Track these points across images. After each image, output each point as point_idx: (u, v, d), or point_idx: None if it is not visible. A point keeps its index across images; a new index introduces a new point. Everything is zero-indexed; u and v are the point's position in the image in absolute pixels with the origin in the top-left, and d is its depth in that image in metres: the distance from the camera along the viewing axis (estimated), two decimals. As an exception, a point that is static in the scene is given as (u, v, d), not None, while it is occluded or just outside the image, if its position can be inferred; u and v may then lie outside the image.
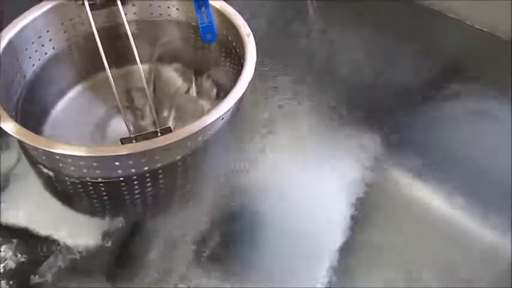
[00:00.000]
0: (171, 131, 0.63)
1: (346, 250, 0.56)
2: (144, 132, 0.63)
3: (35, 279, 0.54)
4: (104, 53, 0.66)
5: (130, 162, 0.59)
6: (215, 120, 0.60)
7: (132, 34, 0.70)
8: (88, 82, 0.76)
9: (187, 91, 0.76)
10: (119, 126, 0.71)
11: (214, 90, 0.75)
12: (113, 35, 0.74)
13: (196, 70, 0.78)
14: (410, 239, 0.58)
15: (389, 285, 0.54)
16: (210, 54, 0.76)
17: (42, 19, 0.69)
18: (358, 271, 0.56)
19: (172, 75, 0.78)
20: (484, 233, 0.58)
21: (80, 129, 0.71)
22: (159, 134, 0.62)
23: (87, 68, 0.75)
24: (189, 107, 0.75)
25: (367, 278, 0.55)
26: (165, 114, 0.74)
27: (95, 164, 0.59)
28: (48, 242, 0.57)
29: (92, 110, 0.74)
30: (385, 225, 0.59)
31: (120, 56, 0.74)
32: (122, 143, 0.61)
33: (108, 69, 0.62)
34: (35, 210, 0.60)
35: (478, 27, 0.82)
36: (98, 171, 0.60)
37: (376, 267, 0.56)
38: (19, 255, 0.56)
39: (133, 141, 0.61)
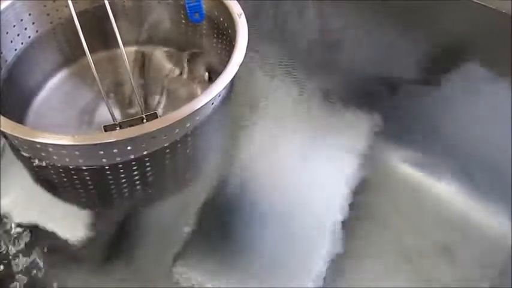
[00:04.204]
0: (157, 117, 0.60)
1: (343, 237, 0.55)
2: (128, 119, 0.60)
3: (21, 268, 0.53)
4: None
5: (115, 150, 0.57)
6: (204, 105, 0.57)
7: (119, 15, 0.67)
8: (74, 66, 0.74)
9: (178, 74, 0.74)
10: (107, 112, 0.68)
11: (206, 73, 0.73)
12: (100, 17, 0.71)
13: (187, 52, 0.75)
14: (408, 226, 0.57)
15: (390, 273, 0.53)
16: (201, 35, 0.73)
17: (22, 2, 0.67)
18: (356, 258, 0.54)
19: (162, 58, 0.76)
20: (484, 220, 0.57)
21: (66, 116, 0.69)
22: (145, 120, 0.59)
23: (73, 51, 0.73)
24: (179, 91, 0.72)
25: (366, 265, 0.54)
26: (155, 99, 0.71)
27: (77, 152, 0.56)
28: (35, 231, 0.56)
29: (79, 95, 0.71)
30: (383, 213, 0.58)
31: (109, 38, 0.72)
32: (106, 131, 0.59)
33: (89, 54, 0.59)
34: (21, 198, 0.59)
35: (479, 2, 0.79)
36: (81, 160, 0.58)
37: (375, 254, 0.55)
38: (5, 244, 0.55)
39: (118, 128, 0.59)
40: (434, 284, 0.52)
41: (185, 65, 0.74)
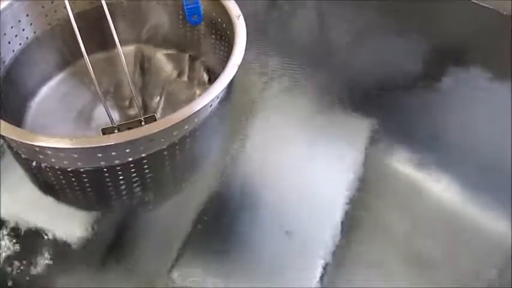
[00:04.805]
0: (155, 119, 0.60)
1: (343, 238, 0.55)
2: (127, 122, 0.60)
3: (20, 270, 0.53)
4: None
5: (113, 153, 0.56)
6: (203, 107, 0.57)
7: (117, 16, 0.67)
8: (73, 67, 0.74)
9: (177, 76, 0.74)
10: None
11: (206, 75, 0.73)
12: (99, 18, 0.70)
13: (186, 54, 0.75)
14: (408, 226, 0.57)
15: (389, 273, 0.53)
16: (200, 37, 0.73)
17: (20, 3, 0.66)
18: (356, 258, 0.54)
19: (161, 59, 0.75)
20: (483, 220, 0.57)
21: (64, 117, 0.69)
22: (143, 123, 0.59)
23: (72, 52, 0.72)
24: (179, 93, 0.72)
25: (365, 266, 0.54)
26: (154, 101, 0.71)
27: (75, 155, 0.56)
28: (33, 232, 0.56)
29: (78, 96, 0.71)
30: (382, 213, 0.58)
31: (108, 40, 0.71)
32: (104, 133, 0.59)
33: (86, 56, 0.58)
34: (19, 199, 0.59)
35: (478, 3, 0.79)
36: (79, 163, 0.57)
37: (375, 254, 0.55)
38: (4, 245, 0.55)
39: (116, 131, 0.58)
40: (434, 284, 0.52)
41: (186, 67, 0.74)
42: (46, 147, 0.54)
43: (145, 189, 0.60)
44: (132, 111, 0.69)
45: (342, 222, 0.56)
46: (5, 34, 0.66)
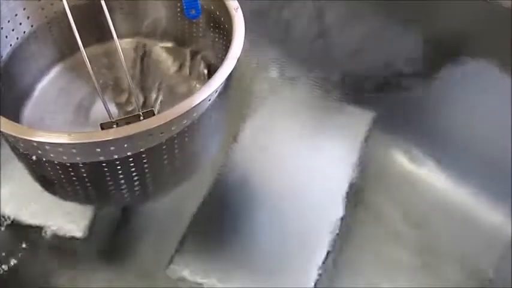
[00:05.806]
0: (154, 114, 0.60)
1: (342, 234, 0.55)
2: (125, 116, 0.60)
3: (17, 265, 0.53)
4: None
5: (112, 148, 0.56)
6: (202, 101, 0.56)
7: (115, 9, 0.67)
8: (71, 61, 0.73)
9: (176, 70, 0.73)
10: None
11: (204, 69, 0.72)
12: (96, 11, 0.70)
13: (185, 47, 0.75)
14: (407, 220, 0.57)
15: (389, 267, 0.54)
16: (198, 30, 0.73)
17: (16, -4, 0.66)
18: (355, 254, 0.55)
19: (160, 53, 0.75)
20: (483, 213, 0.57)
21: (63, 111, 0.69)
22: (142, 117, 0.59)
23: (69, 46, 0.72)
24: (177, 87, 0.71)
25: (365, 261, 0.54)
26: (153, 95, 0.71)
27: (74, 150, 0.56)
28: (32, 227, 0.56)
29: (75, 90, 0.71)
30: (382, 207, 0.58)
31: (105, 33, 0.70)
32: (102, 128, 0.58)
33: (83, 49, 0.58)
34: (17, 194, 0.59)
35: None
36: (78, 158, 0.57)
37: (375, 249, 0.55)
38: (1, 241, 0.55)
39: (114, 126, 0.58)
40: (435, 280, 0.52)
41: (184, 60, 0.73)
42: (44, 142, 0.54)
43: (144, 184, 0.60)
44: (131, 106, 0.69)
45: (341, 219, 0.56)
46: (2, 28, 0.65)
